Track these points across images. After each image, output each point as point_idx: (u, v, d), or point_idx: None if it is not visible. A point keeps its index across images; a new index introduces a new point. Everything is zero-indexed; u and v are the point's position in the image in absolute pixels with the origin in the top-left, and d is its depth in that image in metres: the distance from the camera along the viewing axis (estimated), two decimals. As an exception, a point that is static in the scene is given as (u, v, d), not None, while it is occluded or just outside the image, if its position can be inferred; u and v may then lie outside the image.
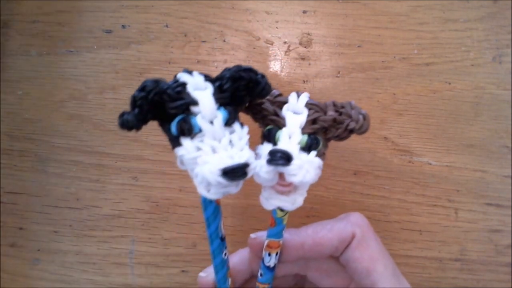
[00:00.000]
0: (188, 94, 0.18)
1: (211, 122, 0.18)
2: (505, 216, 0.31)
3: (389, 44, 0.33)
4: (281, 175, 0.20)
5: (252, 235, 0.24)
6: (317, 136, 0.20)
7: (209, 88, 0.18)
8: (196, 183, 0.18)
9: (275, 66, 0.33)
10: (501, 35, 0.33)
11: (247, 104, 0.21)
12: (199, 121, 0.18)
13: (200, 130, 0.18)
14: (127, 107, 0.20)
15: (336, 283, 0.25)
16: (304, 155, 0.19)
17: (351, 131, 0.20)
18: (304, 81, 0.33)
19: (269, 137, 0.21)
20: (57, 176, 0.32)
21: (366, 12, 0.33)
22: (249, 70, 0.19)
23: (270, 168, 0.19)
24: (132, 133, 0.32)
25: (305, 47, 0.33)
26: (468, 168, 0.32)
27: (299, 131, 0.20)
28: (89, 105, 0.33)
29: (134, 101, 0.18)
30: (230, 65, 0.33)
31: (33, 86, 0.33)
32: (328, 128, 0.20)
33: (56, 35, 0.34)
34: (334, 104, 0.20)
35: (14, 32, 0.34)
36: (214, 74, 0.33)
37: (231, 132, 0.19)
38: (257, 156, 0.20)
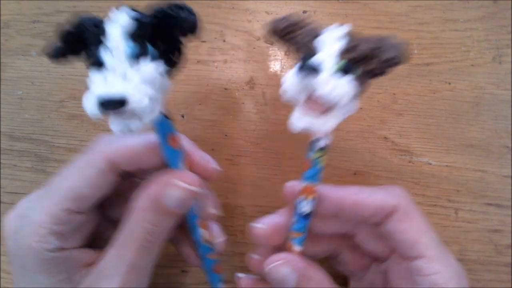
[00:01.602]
0: (102, 27, 0.18)
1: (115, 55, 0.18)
2: (505, 216, 0.31)
3: (389, 44, 0.33)
4: (312, 95, 0.19)
5: (289, 183, 0.24)
6: (354, 64, 0.20)
7: (126, 23, 0.18)
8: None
9: (275, 66, 0.33)
10: (501, 35, 0.33)
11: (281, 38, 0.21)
12: (102, 51, 0.18)
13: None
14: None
15: (380, 247, 0.25)
16: (337, 75, 0.19)
17: (389, 64, 0.19)
18: (304, 81, 0.33)
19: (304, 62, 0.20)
20: (57, 176, 0.32)
21: (366, 12, 0.33)
22: (176, 6, 0.19)
23: (299, 78, 0.18)
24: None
25: (305, 47, 0.33)
26: (468, 168, 0.32)
27: (334, 56, 0.19)
28: (89, 105, 0.33)
29: (59, 33, 0.18)
30: (231, 65, 0.33)
31: (33, 86, 0.33)
32: (365, 61, 0.20)
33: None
34: (374, 38, 0.20)
35: (14, 32, 0.34)
36: (214, 74, 0.33)
37: (136, 68, 0.18)
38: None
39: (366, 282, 0.26)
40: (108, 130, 0.32)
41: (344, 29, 0.20)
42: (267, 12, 0.34)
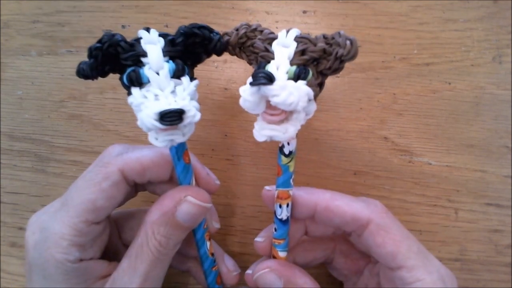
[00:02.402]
0: (139, 47, 0.19)
1: (158, 73, 0.19)
2: (505, 216, 0.31)
3: (389, 44, 0.33)
4: (269, 104, 0.19)
5: (267, 187, 0.24)
6: (307, 67, 0.20)
7: (161, 42, 0.20)
8: (144, 130, 0.19)
9: (275, 66, 0.33)
10: (501, 35, 0.33)
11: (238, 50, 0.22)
12: (146, 71, 0.19)
13: (149, 81, 0.19)
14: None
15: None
16: (291, 81, 0.19)
17: (341, 59, 0.20)
18: (304, 81, 0.33)
19: None
20: (57, 176, 0.32)
21: (366, 12, 0.33)
22: (203, 27, 0.20)
23: (253, 89, 0.19)
24: (133, 134, 0.32)
25: (305, 47, 0.33)
26: (468, 168, 0.32)
27: (287, 62, 0.20)
28: (89, 105, 0.33)
29: (90, 52, 0.19)
30: (231, 65, 0.33)
31: (33, 86, 0.33)
32: (319, 60, 0.20)
33: (56, 35, 0.34)
34: (325, 37, 0.20)
35: (14, 32, 0.34)
36: (214, 74, 0.33)
37: (177, 84, 0.20)
38: None
39: (360, 286, 0.26)
40: (108, 130, 0.32)
41: (293, 33, 0.20)
42: (267, 12, 0.34)
